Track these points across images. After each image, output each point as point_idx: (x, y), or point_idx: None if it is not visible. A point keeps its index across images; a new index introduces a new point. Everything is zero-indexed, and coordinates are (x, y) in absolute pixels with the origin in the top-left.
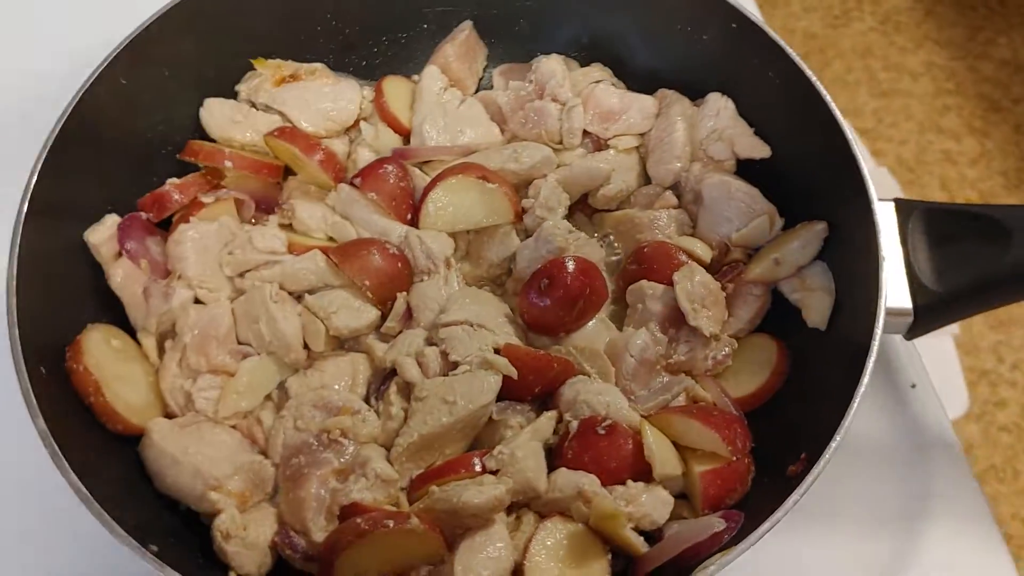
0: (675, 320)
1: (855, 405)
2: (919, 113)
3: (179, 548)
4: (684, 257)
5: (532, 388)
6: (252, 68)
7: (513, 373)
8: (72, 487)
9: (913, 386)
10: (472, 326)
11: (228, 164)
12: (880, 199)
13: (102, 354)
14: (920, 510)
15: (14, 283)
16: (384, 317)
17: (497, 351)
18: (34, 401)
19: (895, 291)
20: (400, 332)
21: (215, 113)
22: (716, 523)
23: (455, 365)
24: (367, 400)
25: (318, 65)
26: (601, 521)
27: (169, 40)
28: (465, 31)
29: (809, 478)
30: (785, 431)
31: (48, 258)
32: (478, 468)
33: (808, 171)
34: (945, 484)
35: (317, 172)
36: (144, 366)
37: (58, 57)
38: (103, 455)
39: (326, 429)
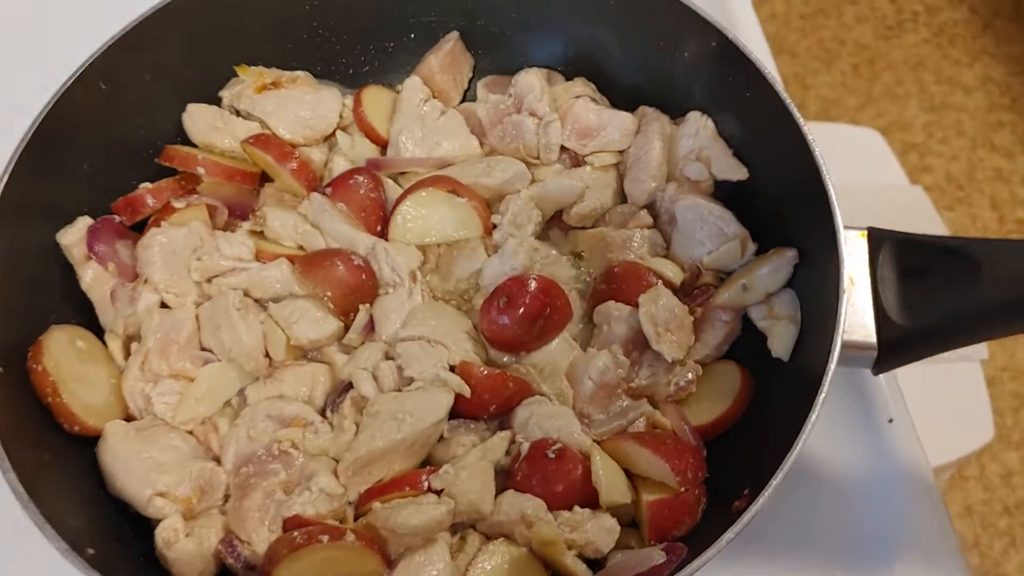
0: (639, 343)
1: (801, 442)
2: (971, 129)
3: (121, 552)
4: (654, 279)
5: (487, 407)
6: (236, 74)
7: (466, 391)
8: (9, 485)
9: (890, 421)
10: (429, 342)
11: (201, 170)
12: (849, 227)
13: (64, 355)
14: (889, 548)
15: None
16: (348, 328)
17: (453, 368)
18: None
19: (861, 324)
20: (362, 344)
21: (197, 119)
22: (656, 555)
23: (410, 381)
24: (323, 412)
25: (300, 73)
26: (542, 546)
27: (152, 44)
28: (451, 42)
29: (747, 516)
30: (743, 462)
31: (19, 258)
32: (425, 486)
33: (782, 195)
34: (918, 522)
35: (290, 180)
36: (109, 368)
37: (38, 58)
38: (61, 455)
39: (276, 440)
